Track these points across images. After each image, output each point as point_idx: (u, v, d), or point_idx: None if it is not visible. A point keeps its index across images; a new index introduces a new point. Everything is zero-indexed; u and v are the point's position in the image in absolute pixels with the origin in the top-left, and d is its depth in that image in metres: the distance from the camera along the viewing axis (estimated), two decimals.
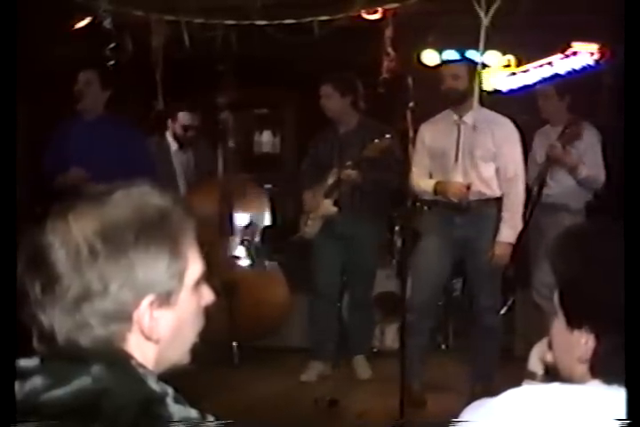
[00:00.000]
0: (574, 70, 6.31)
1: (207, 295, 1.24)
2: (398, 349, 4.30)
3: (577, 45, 6.27)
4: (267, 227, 5.59)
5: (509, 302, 5.58)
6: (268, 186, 6.53)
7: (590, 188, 4.87)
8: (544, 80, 6.04)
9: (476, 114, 4.48)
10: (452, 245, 4.48)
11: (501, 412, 1.19)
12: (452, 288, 5.79)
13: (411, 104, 4.02)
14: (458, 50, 6.00)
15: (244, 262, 5.54)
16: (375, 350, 5.56)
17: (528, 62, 6.62)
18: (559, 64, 6.41)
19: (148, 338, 1.14)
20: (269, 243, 5.68)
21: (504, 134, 4.47)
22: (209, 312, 1.24)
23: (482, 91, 4.69)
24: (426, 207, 4.84)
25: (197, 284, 1.20)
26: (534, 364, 1.42)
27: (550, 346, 1.34)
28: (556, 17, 5.72)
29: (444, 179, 4.49)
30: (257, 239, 5.55)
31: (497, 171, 4.47)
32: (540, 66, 6.53)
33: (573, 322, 1.25)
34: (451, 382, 4.76)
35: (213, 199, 5.36)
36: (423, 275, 4.49)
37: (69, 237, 1.10)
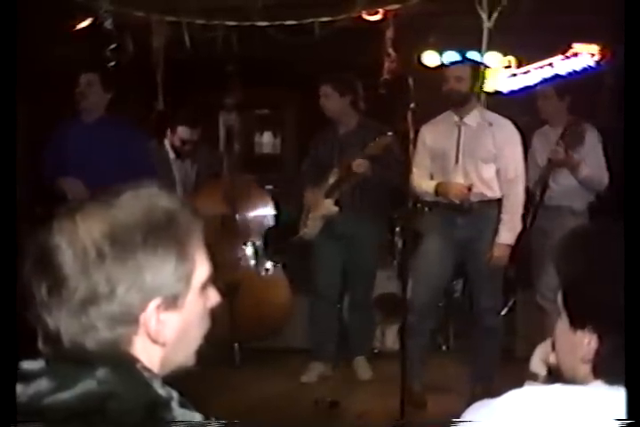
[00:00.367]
0: (575, 71, 6.31)
1: (213, 297, 1.23)
2: (399, 350, 4.30)
3: (578, 46, 6.27)
4: (269, 228, 5.59)
5: (510, 303, 5.58)
6: (269, 187, 6.53)
7: (593, 189, 4.87)
8: (545, 81, 6.04)
9: (477, 115, 4.48)
10: (453, 247, 4.48)
11: (503, 413, 1.19)
12: (452, 289, 5.79)
13: (411, 105, 4.02)
14: (458, 51, 6.01)
15: (249, 263, 5.52)
16: (376, 350, 5.55)
17: (529, 63, 6.62)
18: (560, 65, 6.41)
19: (154, 341, 1.14)
20: (271, 244, 5.68)
21: (505, 135, 4.47)
22: (211, 313, 1.24)
23: (482, 92, 4.69)
24: (427, 208, 4.83)
25: (204, 286, 1.19)
26: (536, 365, 1.42)
27: (554, 347, 1.34)
28: (557, 18, 5.72)
29: (445, 180, 4.49)
30: (260, 240, 5.55)
31: (497, 172, 4.47)
32: (541, 67, 6.53)
33: (577, 322, 1.25)
34: (451, 383, 4.75)
35: (217, 200, 5.36)
36: (424, 276, 4.49)
37: (76, 239, 1.09)
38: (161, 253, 1.11)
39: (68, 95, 4.70)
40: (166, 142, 5.49)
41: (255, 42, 5.26)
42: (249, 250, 5.51)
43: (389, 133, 4.72)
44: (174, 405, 1.07)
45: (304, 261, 5.27)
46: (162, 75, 5.71)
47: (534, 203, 4.77)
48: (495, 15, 4.49)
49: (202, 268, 1.18)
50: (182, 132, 5.38)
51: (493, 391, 1.22)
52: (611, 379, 1.21)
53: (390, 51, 5.23)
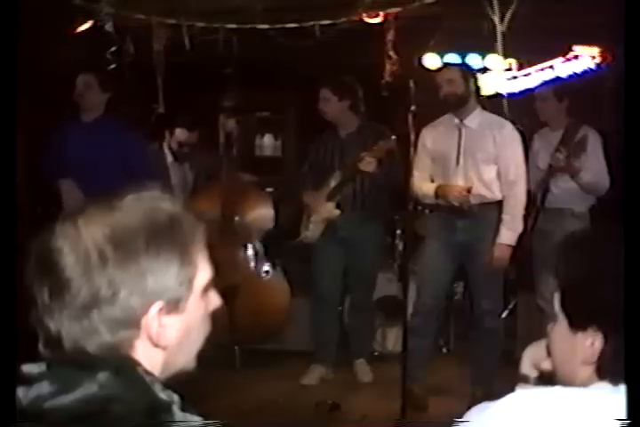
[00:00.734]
0: (576, 74, 6.30)
1: (214, 300, 1.23)
2: (400, 352, 4.29)
3: (578, 49, 6.26)
4: (269, 230, 5.58)
5: (510, 306, 5.58)
6: (270, 189, 6.52)
7: (594, 193, 4.86)
8: (545, 84, 6.02)
9: (477, 117, 4.48)
10: (453, 249, 4.48)
11: (504, 415, 1.19)
12: (453, 292, 5.78)
13: (412, 108, 4.02)
14: (459, 53, 6.00)
15: (248, 266, 5.51)
16: (376, 353, 5.55)
17: (529, 66, 6.62)
18: (560, 68, 6.39)
19: (155, 345, 1.13)
20: (271, 246, 5.67)
21: (505, 137, 4.47)
22: (210, 315, 1.24)
23: (480, 95, 4.68)
24: (427, 211, 4.83)
25: (205, 289, 1.19)
26: (526, 367, 1.42)
27: (549, 353, 1.33)
28: (558, 20, 5.72)
29: (446, 182, 4.49)
30: (260, 243, 5.54)
31: (498, 173, 4.47)
32: (542, 69, 6.52)
33: (577, 324, 1.25)
34: (452, 386, 4.75)
35: (216, 203, 5.35)
36: (426, 279, 4.49)
37: (79, 242, 1.09)
38: (163, 257, 1.11)
39: (69, 97, 4.71)
40: (164, 145, 5.48)
41: (256, 44, 5.26)
42: (249, 253, 5.50)
43: (393, 137, 4.72)
44: (175, 408, 1.07)
45: (304, 264, 5.27)
46: (162, 77, 5.70)
47: (535, 205, 4.77)
48: (507, 18, 4.47)
49: (203, 271, 1.17)
50: (180, 134, 5.38)
51: (494, 394, 1.22)
52: (615, 379, 1.21)
53: (391, 53, 5.23)
